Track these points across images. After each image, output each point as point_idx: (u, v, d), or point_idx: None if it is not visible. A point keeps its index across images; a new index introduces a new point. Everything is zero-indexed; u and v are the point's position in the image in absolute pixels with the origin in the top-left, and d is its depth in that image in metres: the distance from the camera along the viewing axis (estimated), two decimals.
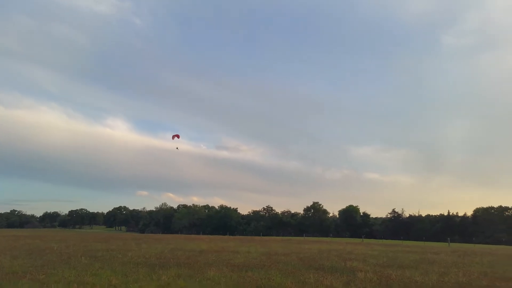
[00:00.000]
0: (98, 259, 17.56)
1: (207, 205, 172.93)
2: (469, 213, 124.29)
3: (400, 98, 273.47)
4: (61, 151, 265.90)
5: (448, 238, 68.09)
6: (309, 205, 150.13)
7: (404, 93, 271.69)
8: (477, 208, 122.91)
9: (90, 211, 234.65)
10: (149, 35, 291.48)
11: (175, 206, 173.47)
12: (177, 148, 49.55)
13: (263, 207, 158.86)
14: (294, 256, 21.69)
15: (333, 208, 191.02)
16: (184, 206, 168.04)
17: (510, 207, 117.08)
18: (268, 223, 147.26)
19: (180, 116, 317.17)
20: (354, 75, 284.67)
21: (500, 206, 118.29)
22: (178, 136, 44.29)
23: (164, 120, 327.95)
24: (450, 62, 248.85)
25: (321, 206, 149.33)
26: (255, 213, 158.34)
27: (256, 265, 16.54)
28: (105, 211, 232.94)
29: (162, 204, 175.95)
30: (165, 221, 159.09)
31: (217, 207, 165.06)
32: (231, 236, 78.07)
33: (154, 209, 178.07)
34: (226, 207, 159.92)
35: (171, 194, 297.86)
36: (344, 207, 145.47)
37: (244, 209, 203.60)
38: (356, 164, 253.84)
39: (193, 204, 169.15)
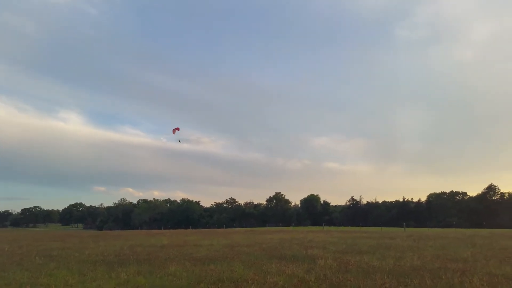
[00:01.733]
0: (53, 259, 16.83)
1: (169, 199, 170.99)
2: (423, 198, 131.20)
3: (358, 90, 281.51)
4: (11, 146, 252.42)
5: (404, 223, 71.06)
6: (271, 196, 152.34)
7: (362, 84, 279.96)
8: (430, 194, 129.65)
9: (45, 209, 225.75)
10: (104, 24, 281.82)
11: (134, 201, 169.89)
12: (179, 141, 50.18)
13: (226, 199, 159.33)
14: (257, 247, 21.83)
15: (294, 198, 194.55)
16: (145, 201, 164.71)
17: (460, 192, 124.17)
18: (231, 215, 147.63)
19: (139, 108, 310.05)
20: (314, 67, 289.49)
21: (452, 191, 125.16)
22: (178, 129, 43.89)
23: (122, 112, 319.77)
24: (404, 54, 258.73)
25: (283, 196, 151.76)
26: (218, 205, 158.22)
27: (219, 257, 16.50)
28: (61, 208, 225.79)
29: (121, 199, 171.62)
30: (124, 217, 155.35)
31: (179, 201, 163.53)
32: (194, 230, 77.52)
33: (113, 205, 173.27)
34: (188, 201, 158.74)
35: (130, 189, 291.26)
36: (305, 196, 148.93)
37: (207, 202, 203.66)
38: (316, 154, 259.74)
39: (153, 199, 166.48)
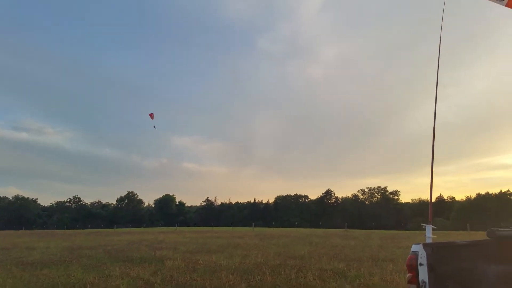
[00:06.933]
0: None
1: None
2: (272, 200, 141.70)
3: (221, 94, 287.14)
4: None
5: (253, 223, 75.11)
6: (123, 195, 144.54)
7: (225, 89, 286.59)
8: (277, 196, 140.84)
9: None
10: None
11: None
12: (154, 127, 44.47)
13: (69, 198, 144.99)
14: (101, 249, 20.34)
15: (149, 198, 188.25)
16: None
17: (303, 195, 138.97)
18: (74, 215, 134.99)
19: None
20: (180, 66, 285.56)
21: (296, 194, 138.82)
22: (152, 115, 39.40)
23: None
24: (264, 64, 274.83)
25: (136, 195, 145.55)
26: (59, 204, 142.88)
27: (55, 261, 14.84)
28: None
29: None
30: None
31: (10, 198, 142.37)
32: (28, 231, 68.32)
33: None
34: (22, 198, 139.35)
35: None
36: (160, 196, 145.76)
37: (46, 200, 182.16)
38: (175, 154, 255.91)
39: None
